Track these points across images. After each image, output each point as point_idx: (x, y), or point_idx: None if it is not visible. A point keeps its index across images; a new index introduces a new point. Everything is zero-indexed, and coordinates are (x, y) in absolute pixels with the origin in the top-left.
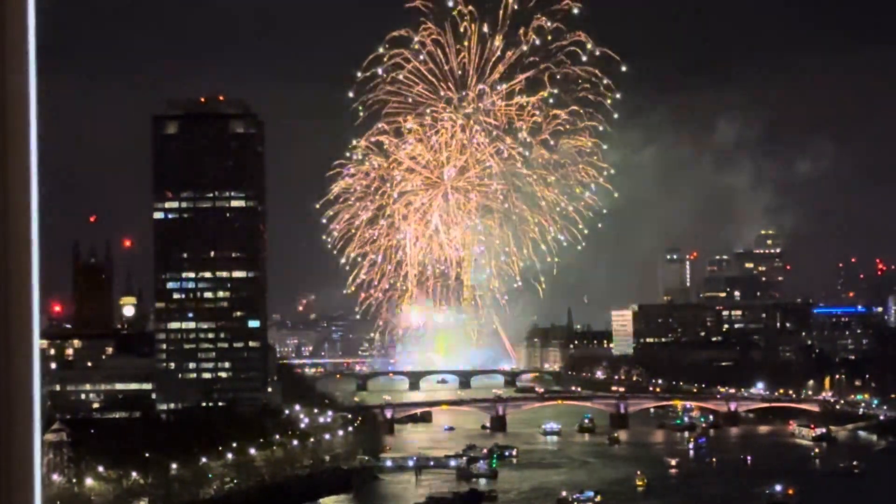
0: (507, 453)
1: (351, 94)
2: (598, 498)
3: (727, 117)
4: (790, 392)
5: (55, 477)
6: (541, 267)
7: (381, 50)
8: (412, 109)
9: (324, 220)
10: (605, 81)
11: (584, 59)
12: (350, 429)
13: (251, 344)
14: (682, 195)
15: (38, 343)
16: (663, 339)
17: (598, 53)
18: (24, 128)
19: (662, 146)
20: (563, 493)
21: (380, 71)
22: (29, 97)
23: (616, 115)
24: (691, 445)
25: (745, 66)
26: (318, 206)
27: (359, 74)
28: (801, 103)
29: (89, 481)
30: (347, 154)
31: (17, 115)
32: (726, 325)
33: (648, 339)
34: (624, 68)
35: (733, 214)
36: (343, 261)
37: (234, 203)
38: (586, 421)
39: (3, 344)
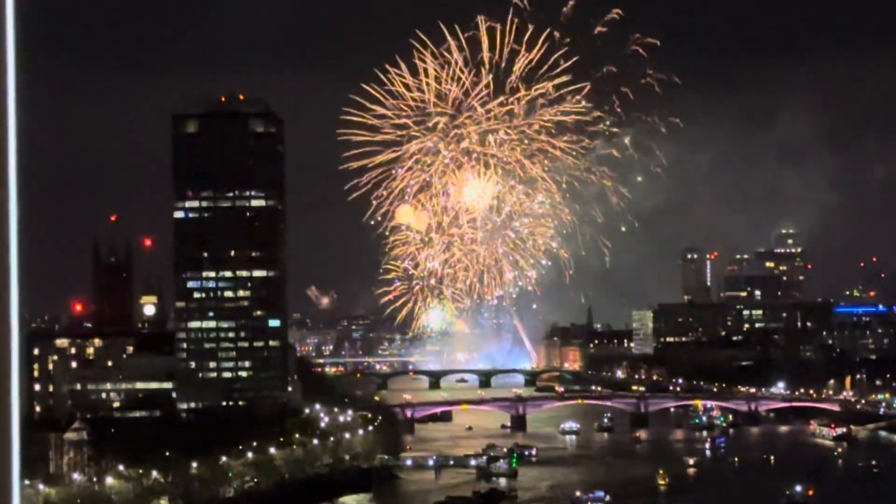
0: (526, 453)
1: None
2: (608, 498)
3: (754, 118)
4: (810, 392)
5: (75, 476)
6: (561, 266)
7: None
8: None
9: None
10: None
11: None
12: (370, 428)
13: (271, 343)
14: (704, 194)
15: (16, 350)
16: (683, 339)
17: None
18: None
19: (687, 144)
20: (578, 493)
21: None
22: (7, 103)
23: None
24: (710, 445)
25: (778, 64)
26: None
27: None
28: (833, 106)
29: (110, 480)
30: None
31: None
32: (747, 325)
33: (669, 339)
34: (678, 79)
35: (754, 213)
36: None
37: (255, 202)
38: (606, 420)
39: None
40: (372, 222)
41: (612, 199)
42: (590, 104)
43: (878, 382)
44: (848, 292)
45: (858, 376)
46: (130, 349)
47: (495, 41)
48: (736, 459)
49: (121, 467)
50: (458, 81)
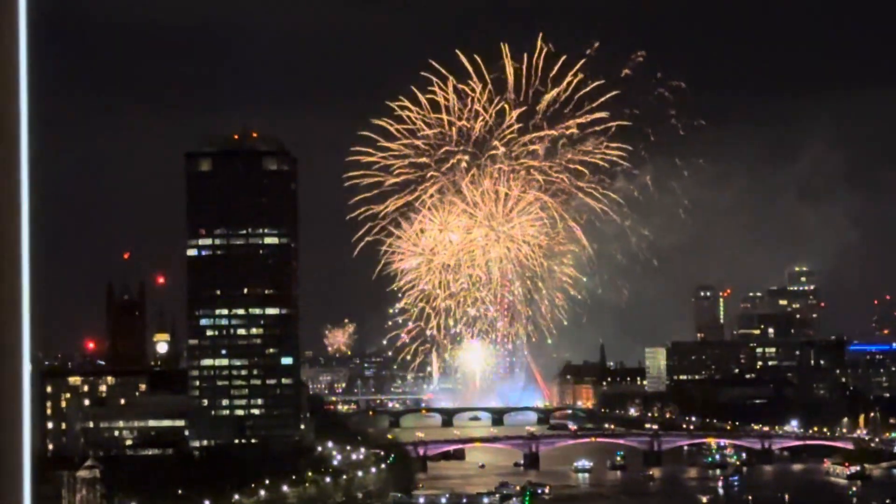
0: (539, 490)
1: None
2: None
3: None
4: (824, 430)
5: None
6: (576, 303)
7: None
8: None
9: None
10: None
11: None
12: (383, 466)
13: (284, 381)
14: (721, 232)
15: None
16: (696, 377)
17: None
18: (14, 157)
19: (707, 182)
20: None
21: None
22: (20, 124)
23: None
24: (723, 483)
25: (800, 101)
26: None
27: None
28: (854, 143)
29: None
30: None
31: (6, 145)
32: (760, 363)
33: (682, 377)
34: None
35: (770, 251)
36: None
37: (267, 240)
38: (619, 458)
39: None
40: (386, 273)
41: (631, 238)
42: (613, 144)
43: (891, 420)
44: (860, 331)
45: (872, 414)
46: (143, 387)
47: (518, 77)
48: (749, 498)
49: None
50: (477, 117)
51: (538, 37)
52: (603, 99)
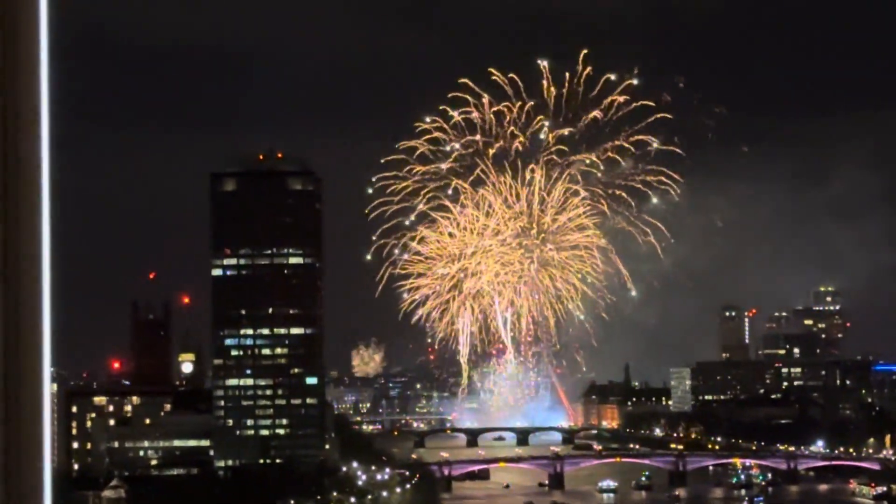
0: None
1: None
2: None
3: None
4: (850, 450)
5: None
6: (602, 324)
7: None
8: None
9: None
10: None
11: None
12: (407, 486)
13: (309, 401)
14: (746, 253)
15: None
16: (722, 397)
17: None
18: (37, 177)
19: (741, 203)
20: None
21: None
22: (41, 160)
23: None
24: (749, 503)
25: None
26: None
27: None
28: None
29: None
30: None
31: (29, 165)
32: (785, 383)
33: (707, 397)
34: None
35: (794, 272)
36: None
37: (292, 260)
38: (644, 479)
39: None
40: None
41: (662, 258)
42: (650, 167)
43: None
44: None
45: None
46: (168, 407)
47: (558, 98)
48: None
49: None
50: (513, 137)
51: (579, 58)
52: (644, 123)
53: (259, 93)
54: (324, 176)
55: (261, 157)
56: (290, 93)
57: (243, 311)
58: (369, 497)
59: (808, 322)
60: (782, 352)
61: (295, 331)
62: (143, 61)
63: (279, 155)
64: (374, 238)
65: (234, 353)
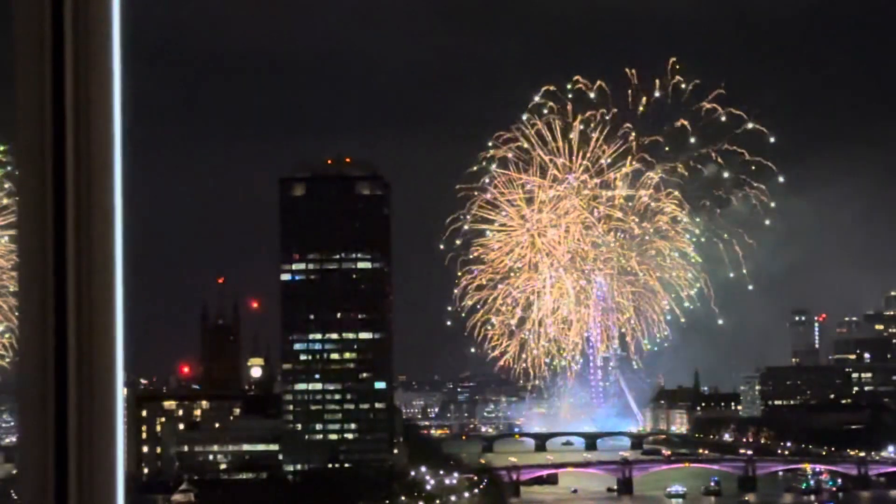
0: None
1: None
2: None
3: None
4: None
5: None
6: (674, 328)
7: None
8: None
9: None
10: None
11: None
12: (476, 491)
13: (377, 405)
14: (819, 257)
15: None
16: (792, 402)
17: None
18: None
19: (822, 206)
20: None
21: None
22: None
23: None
24: None
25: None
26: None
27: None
28: None
29: None
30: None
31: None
32: (856, 388)
33: (777, 402)
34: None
35: (866, 276)
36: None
37: (361, 265)
38: (713, 484)
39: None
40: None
41: (740, 262)
42: (735, 174)
43: None
44: None
45: None
46: (237, 411)
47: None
48: None
49: None
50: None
51: (667, 65)
52: (732, 133)
53: (332, 97)
54: (392, 180)
55: (329, 161)
56: (363, 97)
57: (312, 316)
58: (438, 501)
59: (879, 327)
60: (853, 357)
61: (363, 335)
62: (214, 67)
63: (347, 160)
64: (442, 247)
65: (302, 357)
